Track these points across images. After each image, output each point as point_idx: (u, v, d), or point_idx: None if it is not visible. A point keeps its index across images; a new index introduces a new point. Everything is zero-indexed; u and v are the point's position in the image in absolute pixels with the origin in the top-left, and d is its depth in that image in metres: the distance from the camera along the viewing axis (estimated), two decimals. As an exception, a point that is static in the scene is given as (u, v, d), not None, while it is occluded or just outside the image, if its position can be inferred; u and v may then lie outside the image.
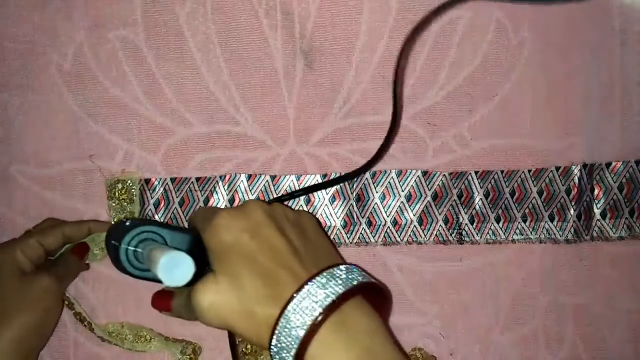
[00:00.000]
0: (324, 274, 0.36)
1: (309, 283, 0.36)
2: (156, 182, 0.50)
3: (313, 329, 0.34)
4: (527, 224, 0.49)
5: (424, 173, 0.49)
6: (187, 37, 0.50)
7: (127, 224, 0.41)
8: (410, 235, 0.49)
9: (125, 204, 0.50)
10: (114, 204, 0.50)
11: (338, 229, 0.49)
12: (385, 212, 0.49)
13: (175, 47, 0.50)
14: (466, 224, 0.49)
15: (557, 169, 0.49)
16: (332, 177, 0.49)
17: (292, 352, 0.35)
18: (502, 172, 0.49)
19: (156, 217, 0.50)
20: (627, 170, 0.49)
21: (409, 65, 0.49)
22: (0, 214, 0.51)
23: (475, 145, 0.50)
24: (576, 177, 0.49)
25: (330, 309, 0.35)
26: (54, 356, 0.50)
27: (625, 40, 0.49)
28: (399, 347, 0.36)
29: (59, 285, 0.46)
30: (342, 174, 0.49)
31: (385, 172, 0.49)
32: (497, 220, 0.49)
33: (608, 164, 0.49)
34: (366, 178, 0.49)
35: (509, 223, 0.49)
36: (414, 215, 0.49)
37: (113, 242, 0.41)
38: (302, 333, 0.34)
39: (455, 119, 0.49)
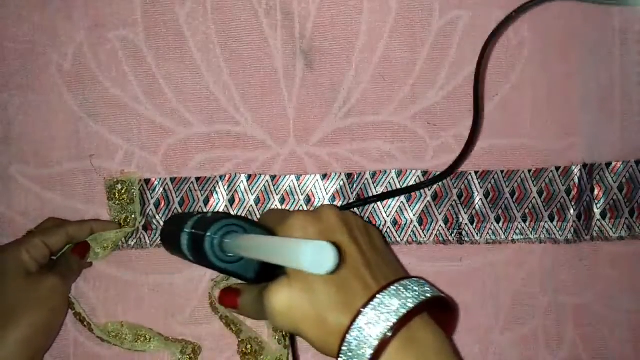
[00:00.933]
0: (397, 285, 0.36)
1: (381, 294, 0.35)
2: (156, 182, 0.50)
3: (385, 342, 0.34)
4: (527, 224, 0.49)
5: (424, 173, 0.49)
6: (187, 37, 0.50)
7: (209, 215, 0.41)
8: (410, 235, 0.49)
9: (126, 204, 0.50)
10: (114, 205, 0.50)
11: (338, 229, 0.49)
12: (385, 212, 0.49)
13: (175, 47, 0.50)
14: (466, 224, 0.49)
15: (557, 169, 0.49)
16: (332, 177, 0.49)
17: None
18: (502, 172, 0.49)
19: (157, 217, 0.50)
20: (627, 170, 0.49)
21: (408, 65, 0.49)
22: (0, 214, 0.51)
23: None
24: (576, 177, 0.49)
25: (403, 322, 0.34)
26: (54, 355, 0.50)
27: (625, 40, 0.49)
28: None
29: (64, 284, 0.46)
30: (344, 174, 0.49)
31: (385, 172, 0.49)
32: (497, 220, 0.49)
33: (608, 164, 0.49)
34: (366, 178, 0.49)
35: (509, 223, 0.49)
36: (414, 215, 0.49)
37: (195, 231, 0.40)
38: (374, 344, 0.34)
39: (455, 119, 0.49)
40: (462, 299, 0.49)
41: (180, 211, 0.50)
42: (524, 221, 0.49)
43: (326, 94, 0.50)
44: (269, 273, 0.38)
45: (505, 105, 0.49)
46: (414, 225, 0.49)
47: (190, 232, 0.40)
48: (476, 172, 0.49)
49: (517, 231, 0.49)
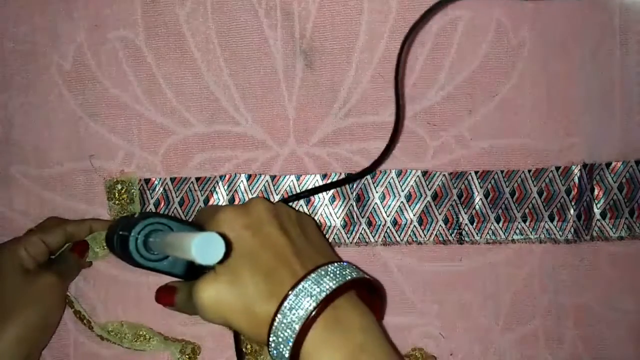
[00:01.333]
0: (319, 270, 0.37)
1: (304, 280, 0.36)
2: (156, 182, 0.50)
3: (308, 324, 0.35)
4: (527, 224, 0.49)
5: (424, 173, 0.49)
6: (187, 37, 0.50)
7: (136, 215, 0.41)
8: (410, 235, 0.49)
9: (126, 204, 0.50)
10: (114, 205, 0.50)
11: (338, 229, 0.49)
12: (385, 212, 0.49)
13: (175, 47, 0.50)
14: (466, 224, 0.49)
15: (557, 169, 0.49)
16: (332, 177, 0.49)
17: (288, 347, 0.35)
18: (502, 172, 0.49)
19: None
20: (627, 170, 0.49)
21: (409, 65, 0.49)
22: (0, 214, 0.51)
23: (475, 145, 0.50)
24: (576, 177, 0.49)
25: (324, 304, 0.35)
26: (54, 355, 0.50)
27: (625, 40, 0.49)
28: (392, 345, 0.37)
29: (62, 283, 0.47)
30: (344, 174, 0.49)
31: (385, 172, 0.49)
32: (497, 220, 0.49)
33: (608, 164, 0.49)
34: (366, 178, 0.49)
35: (509, 223, 0.49)
36: (414, 215, 0.49)
37: (121, 232, 0.41)
38: (297, 327, 0.35)
39: (455, 119, 0.49)
40: (462, 299, 0.49)
41: (180, 211, 0.50)
42: (524, 221, 0.49)
43: (326, 94, 0.50)
44: (200, 268, 0.39)
45: (505, 105, 0.49)
46: (414, 225, 0.49)
47: (118, 234, 0.41)
48: (476, 172, 0.49)
49: (517, 231, 0.49)
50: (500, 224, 0.49)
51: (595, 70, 0.49)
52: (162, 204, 0.50)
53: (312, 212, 0.49)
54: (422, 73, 0.49)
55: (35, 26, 0.50)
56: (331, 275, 0.37)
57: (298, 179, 0.49)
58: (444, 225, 0.49)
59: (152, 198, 0.50)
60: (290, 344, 0.35)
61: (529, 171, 0.49)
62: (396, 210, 0.49)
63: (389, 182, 0.49)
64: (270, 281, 0.37)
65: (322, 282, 0.36)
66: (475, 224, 0.49)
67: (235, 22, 0.50)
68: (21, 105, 0.50)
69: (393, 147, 0.49)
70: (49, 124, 0.50)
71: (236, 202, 0.49)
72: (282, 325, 0.35)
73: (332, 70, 0.50)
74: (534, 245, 0.49)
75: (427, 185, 0.49)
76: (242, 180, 0.49)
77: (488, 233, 0.49)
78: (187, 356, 0.49)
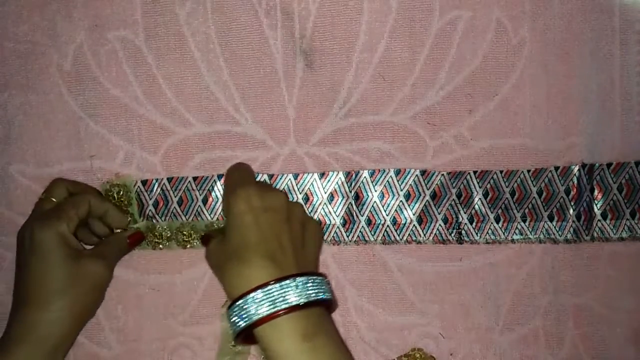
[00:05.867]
0: (306, 277, 0.40)
1: (293, 278, 0.40)
2: (154, 182, 0.50)
3: (276, 314, 0.38)
4: (527, 223, 0.49)
5: (423, 172, 0.49)
6: (187, 37, 0.50)
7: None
8: (409, 234, 0.49)
9: (124, 206, 0.50)
10: (113, 206, 0.50)
11: (337, 227, 0.49)
12: (385, 211, 0.49)
13: (175, 47, 0.50)
14: (465, 224, 0.49)
15: (557, 169, 0.49)
16: (329, 176, 0.49)
17: (246, 323, 0.39)
18: (501, 172, 0.49)
19: (156, 217, 0.50)
20: (627, 171, 0.49)
21: (409, 65, 0.49)
22: (0, 214, 0.51)
23: (475, 145, 0.50)
24: (575, 177, 0.49)
25: (295, 309, 0.39)
26: (54, 356, 0.50)
27: (625, 40, 0.49)
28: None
29: (110, 273, 0.48)
30: (342, 174, 0.49)
31: (384, 170, 0.49)
32: (497, 220, 0.49)
33: (609, 165, 0.49)
34: (364, 177, 0.49)
35: (508, 223, 0.49)
36: (414, 215, 0.49)
37: None
38: (266, 311, 0.38)
39: (455, 119, 0.49)
40: (462, 299, 0.49)
41: (179, 211, 0.50)
42: (524, 221, 0.49)
43: (326, 94, 0.50)
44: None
45: (505, 105, 0.49)
46: (414, 225, 0.49)
47: None
48: (475, 172, 0.49)
49: (517, 231, 0.49)
50: (500, 224, 0.49)
51: (595, 70, 0.49)
52: (161, 204, 0.50)
53: (311, 211, 0.49)
54: (422, 73, 0.49)
55: (35, 26, 0.50)
56: (316, 285, 0.41)
57: (296, 177, 0.49)
58: (443, 225, 0.49)
59: (150, 199, 0.50)
60: (250, 322, 0.39)
61: (529, 171, 0.49)
62: (395, 210, 0.49)
63: (387, 181, 0.49)
64: (244, 265, 0.40)
65: (303, 288, 0.40)
66: (474, 223, 0.49)
67: (235, 22, 0.50)
68: (21, 105, 0.50)
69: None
70: (49, 123, 0.50)
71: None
72: (251, 302, 0.39)
73: (332, 70, 0.50)
74: (533, 245, 0.49)
75: (426, 185, 0.49)
76: (241, 180, 0.49)
77: (488, 233, 0.49)
78: None
